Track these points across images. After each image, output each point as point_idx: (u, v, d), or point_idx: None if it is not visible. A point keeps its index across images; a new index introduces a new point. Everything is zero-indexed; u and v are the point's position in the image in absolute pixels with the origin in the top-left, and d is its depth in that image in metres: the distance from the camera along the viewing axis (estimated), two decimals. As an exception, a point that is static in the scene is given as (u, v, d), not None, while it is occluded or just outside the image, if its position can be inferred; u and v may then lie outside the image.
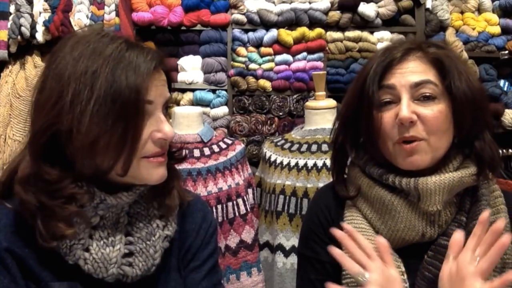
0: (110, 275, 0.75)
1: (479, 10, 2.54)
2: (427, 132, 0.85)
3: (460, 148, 0.89)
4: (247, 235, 1.67)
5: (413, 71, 0.87)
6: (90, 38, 0.76)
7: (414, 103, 0.86)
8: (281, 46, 2.32)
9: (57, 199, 0.73)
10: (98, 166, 0.74)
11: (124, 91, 0.72)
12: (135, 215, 0.82)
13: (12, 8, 2.18)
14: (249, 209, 1.70)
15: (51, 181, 0.73)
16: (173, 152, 0.90)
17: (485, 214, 0.76)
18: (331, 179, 1.04)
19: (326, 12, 2.35)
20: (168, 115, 0.88)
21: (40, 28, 2.15)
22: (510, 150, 2.26)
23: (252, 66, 2.33)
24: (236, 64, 2.33)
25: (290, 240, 1.61)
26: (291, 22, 2.34)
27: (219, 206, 1.63)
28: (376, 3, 2.40)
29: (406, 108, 0.84)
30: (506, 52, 2.42)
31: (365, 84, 0.90)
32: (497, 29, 2.46)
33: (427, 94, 0.85)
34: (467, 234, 0.83)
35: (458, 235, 0.77)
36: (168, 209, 0.84)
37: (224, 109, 2.32)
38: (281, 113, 2.31)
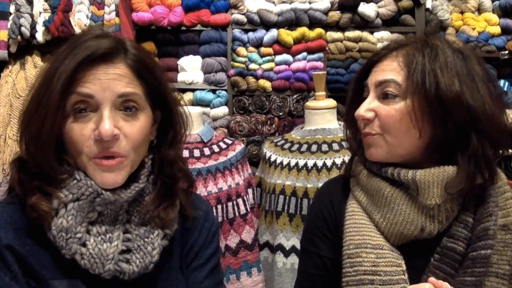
0: (106, 271, 0.75)
1: (479, 10, 2.54)
2: (382, 128, 0.87)
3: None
4: (247, 235, 1.67)
5: (383, 70, 0.89)
6: (79, 36, 0.80)
7: (378, 101, 0.89)
8: (281, 46, 2.32)
9: (27, 175, 0.76)
10: (36, 156, 0.76)
11: (52, 75, 0.74)
12: (134, 213, 0.81)
13: (12, 8, 2.17)
14: (249, 209, 1.70)
15: (24, 157, 0.78)
16: (164, 172, 0.86)
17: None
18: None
19: (326, 12, 2.35)
20: (175, 113, 0.86)
21: (40, 28, 2.15)
22: (510, 150, 2.25)
23: (252, 66, 2.33)
24: (236, 64, 2.33)
25: (290, 240, 1.61)
26: (291, 22, 2.34)
27: (219, 206, 1.63)
28: (376, 3, 2.40)
29: (362, 106, 0.89)
30: (506, 52, 2.42)
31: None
32: (497, 29, 2.46)
33: (386, 92, 0.87)
34: (475, 238, 0.82)
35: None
36: (161, 220, 0.82)
37: (224, 109, 2.32)
38: (281, 113, 2.31)
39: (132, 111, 0.77)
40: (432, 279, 0.75)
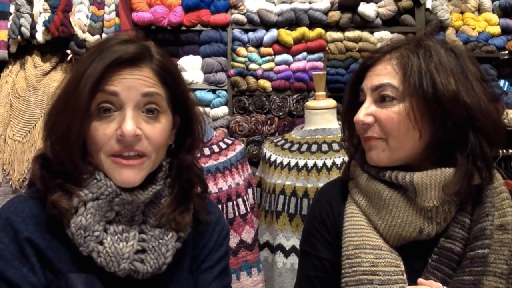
0: (121, 269, 0.77)
1: (479, 10, 2.54)
2: (383, 132, 0.88)
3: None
4: (247, 235, 1.67)
5: (378, 74, 0.89)
6: (106, 40, 0.83)
7: (376, 105, 0.89)
8: (281, 46, 2.32)
9: (49, 173, 0.79)
10: (62, 155, 0.77)
11: (80, 78, 0.76)
12: (150, 215, 0.83)
13: (12, 8, 2.17)
14: (249, 209, 1.70)
15: (47, 155, 0.80)
16: (181, 176, 0.88)
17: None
18: (331, 179, 1.04)
19: (326, 12, 2.35)
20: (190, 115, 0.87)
21: (40, 28, 2.15)
22: (510, 150, 2.25)
23: (252, 66, 2.33)
24: (236, 64, 2.33)
25: (290, 240, 1.61)
26: (291, 22, 2.34)
27: (219, 206, 1.63)
28: (376, 3, 2.39)
29: (361, 111, 0.89)
30: (506, 52, 2.42)
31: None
32: (497, 29, 2.46)
33: (384, 95, 0.87)
34: (472, 238, 0.83)
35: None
36: (177, 224, 0.84)
37: (224, 109, 2.32)
38: (281, 113, 2.31)
39: (154, 113, 0.80)
40: (421, 280, 0.76)
